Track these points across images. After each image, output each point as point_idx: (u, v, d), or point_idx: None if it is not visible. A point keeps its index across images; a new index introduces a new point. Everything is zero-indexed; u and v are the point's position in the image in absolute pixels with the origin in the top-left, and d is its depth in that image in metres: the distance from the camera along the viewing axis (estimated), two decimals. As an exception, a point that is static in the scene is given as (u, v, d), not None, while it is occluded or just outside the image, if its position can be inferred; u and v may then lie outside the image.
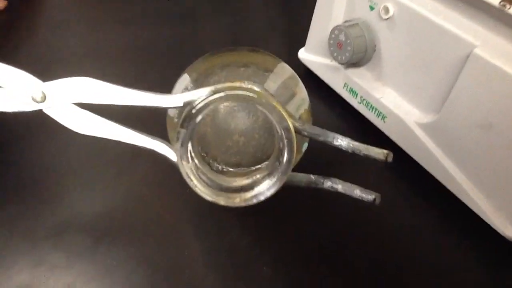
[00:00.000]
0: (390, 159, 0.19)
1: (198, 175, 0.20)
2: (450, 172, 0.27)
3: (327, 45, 0.33)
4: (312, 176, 0.21)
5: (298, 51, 0.39)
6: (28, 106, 0.19)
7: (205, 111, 0.18)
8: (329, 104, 0.36)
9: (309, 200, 0.28)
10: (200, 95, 0.18)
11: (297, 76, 0.25)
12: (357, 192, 0.21)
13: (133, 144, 0.20)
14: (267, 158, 0.21)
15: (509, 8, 0.22)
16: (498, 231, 0.26)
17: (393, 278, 0.25)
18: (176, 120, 0.22)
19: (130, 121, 0.20)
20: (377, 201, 0.20)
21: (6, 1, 0.44)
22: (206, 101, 0.18)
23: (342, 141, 0.19)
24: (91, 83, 0.19)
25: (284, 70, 0.25)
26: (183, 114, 0.18)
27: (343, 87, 0.35)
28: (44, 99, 0.19)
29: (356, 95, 0.33)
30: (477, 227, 0.27)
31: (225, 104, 0.22)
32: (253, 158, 0.22)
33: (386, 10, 0.29)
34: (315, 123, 0.21)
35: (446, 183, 0.28)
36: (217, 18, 0.47)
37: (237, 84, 0.18)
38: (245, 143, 0.22)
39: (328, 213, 0.28)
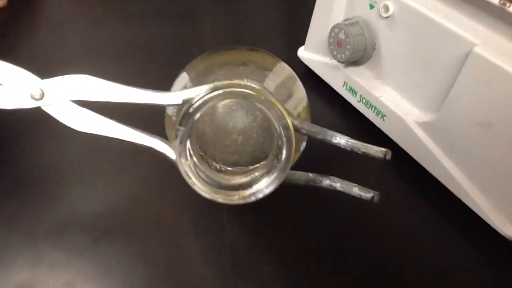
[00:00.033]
0: (388, 157, 0.19)
1: (197, 173, 0.20)
2: (450, 171, 0.27)
3: (326, 43, 0.33)
4: (310, 174, 0.21)
5: (297, 49, 0.39)
6: (27, 103, 0.19)
7: (204, 109, 0.18)
8: (328, 102, 0.36)
9: (307, 198, 0.28)
10: (199, 93, 0.18)
11: (295, 75, 0.25)
12: (356, 190, 0.21)
13: (131, 142, 0.20)
14: (265, 157, 0.21)
15: (509, 7, 0.22)
16: (498, 230, 0.26)
17: (393, 277, 0.25)
18: (174, 118, 0.22)
19: (130, 119, 0.20)
20: (376, 199, 0.20)
21: (6, 0, 0.44)
22: (205, 98, 0.18)
23: (340, 139, 0.19)
24: (90, 81, 0.19)
25: (283, 70, 0.25)
26: (182, 112, 0.18)
27: (343, 85, 0.34)
28: (42, 96, 0.19)
29: (356, 94, 0.33)
30: (476, 227, 0.27)
31: (224, 103, 0.22)
32: (252, 157, 0.22)
33: (386, 8, 0.29)
34: (314, 121, 0.21)
35: (446, 182, 0.28)
36: (217, 17, 0.47)
37: (236, 81, 0.18)
38: (244, 142, 0.22)
39: (327, 211, 0.27)
